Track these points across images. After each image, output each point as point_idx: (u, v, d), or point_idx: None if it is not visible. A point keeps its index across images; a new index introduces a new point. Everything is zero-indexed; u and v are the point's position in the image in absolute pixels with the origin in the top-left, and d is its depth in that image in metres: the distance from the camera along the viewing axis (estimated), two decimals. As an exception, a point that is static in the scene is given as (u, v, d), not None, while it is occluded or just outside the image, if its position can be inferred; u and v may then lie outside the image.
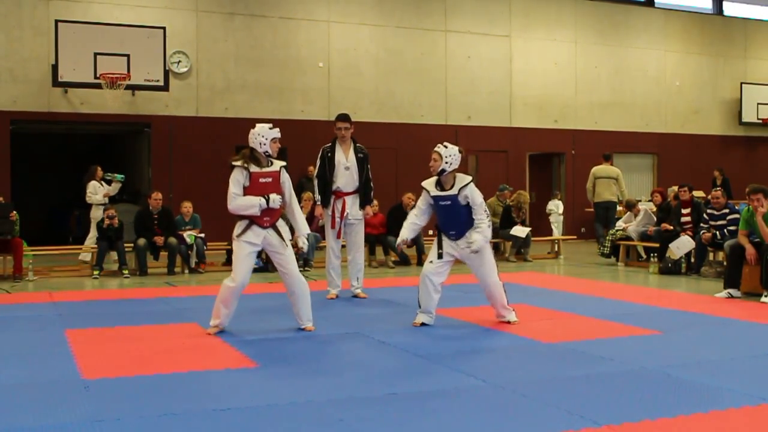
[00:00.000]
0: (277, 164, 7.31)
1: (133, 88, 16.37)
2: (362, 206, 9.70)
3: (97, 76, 15.69)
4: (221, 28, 17.90)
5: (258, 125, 7.28)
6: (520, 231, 14.95)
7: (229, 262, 13.42)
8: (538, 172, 21.27)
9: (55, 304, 9.34)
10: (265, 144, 7.15)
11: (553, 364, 6.04)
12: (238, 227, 7.19)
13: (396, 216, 14.28)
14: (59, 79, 15.73)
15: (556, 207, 19.56)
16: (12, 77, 16.35)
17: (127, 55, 15.91)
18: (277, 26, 18.34)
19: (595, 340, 6.93)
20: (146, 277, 12.36)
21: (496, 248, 16.00)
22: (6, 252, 12.30)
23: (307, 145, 16.63)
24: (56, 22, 15.71)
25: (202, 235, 13.28)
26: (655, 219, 13.96)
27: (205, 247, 13.34)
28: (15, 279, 11.98)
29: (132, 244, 12.82)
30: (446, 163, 7.32)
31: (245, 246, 7.17)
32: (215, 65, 17.82)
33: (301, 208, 8.63)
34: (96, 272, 12.43)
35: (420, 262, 14.10)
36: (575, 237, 18.45)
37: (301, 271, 7.70)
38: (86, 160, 22.89)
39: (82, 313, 8.54)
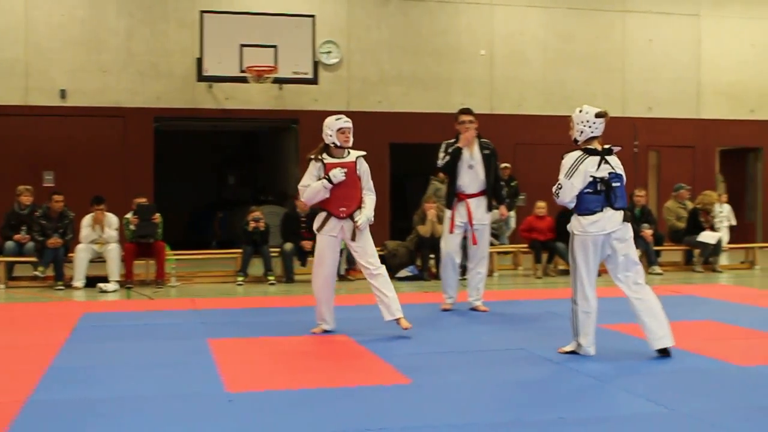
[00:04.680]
0: (354, 154, 7.89)
1: (281, 81, 16.76)
2: (490, 209, 9.39)
3: (243, 69, 16.16)
4: (374, 15, 18.15)
5: (327, 118, 7.84)
6: (709, 237, 14.52)
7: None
8: (729, 171, 20.55)
9: (198, 311, 9.69)
10: (331, 136, 7.77)
11: (748, 390, 5.81)
12: (317, 221, 7.93)
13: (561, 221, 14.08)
14: (204, 73, 16.31)
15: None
16: (156, 72, 17.10)
17: (275, 47, 16.29)
18: (435, 11, 18.44)
19: (798, 363, 6.64)
20: (293, 285, 12.64)
21: (689, 257, 15.51)
22: (148, 256, 12.85)
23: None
24: (201, 12, 16.33)
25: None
26: None
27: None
28: (157, 284, 12.52)
29: (278, 249, 13.14)
30: (578, 131, 6.73)
31: (325, 239, 7.86)
32: (368, 55, 18.08)
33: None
34: (240, 278, 12.84)
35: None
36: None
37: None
38: (229, 159, 23.83)
39: (226, 322, 8.80)
